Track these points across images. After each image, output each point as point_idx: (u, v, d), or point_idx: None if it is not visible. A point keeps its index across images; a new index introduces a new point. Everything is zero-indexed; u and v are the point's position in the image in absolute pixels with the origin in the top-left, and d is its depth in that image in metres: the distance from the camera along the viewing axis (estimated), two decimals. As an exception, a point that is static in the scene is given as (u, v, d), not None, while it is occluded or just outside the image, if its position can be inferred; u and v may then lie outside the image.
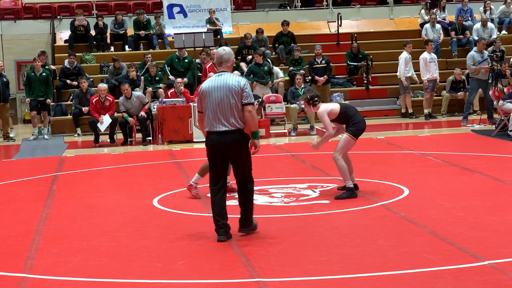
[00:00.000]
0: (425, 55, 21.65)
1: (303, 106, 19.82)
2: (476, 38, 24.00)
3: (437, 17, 25.49)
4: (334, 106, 11.02)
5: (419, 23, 26.18)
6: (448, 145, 16.60)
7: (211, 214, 8.45)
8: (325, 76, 22.12)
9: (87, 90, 20.32)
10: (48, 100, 20.75)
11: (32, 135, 20.59)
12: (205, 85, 8.65)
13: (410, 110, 21.89)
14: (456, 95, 22.33)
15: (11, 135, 20.95)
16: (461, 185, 11.62)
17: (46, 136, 20.59)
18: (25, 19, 26.27)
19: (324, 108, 10.89)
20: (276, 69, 22.49)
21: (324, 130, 11.04)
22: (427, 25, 24.96)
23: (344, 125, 11.05)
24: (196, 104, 8.85)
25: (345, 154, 10.96)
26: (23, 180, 13.85)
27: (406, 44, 21.91)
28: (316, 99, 10.92)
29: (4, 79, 20.70)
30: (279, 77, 22.39)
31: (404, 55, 21.68)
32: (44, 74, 20.70)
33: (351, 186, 10.86)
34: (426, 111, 21.69)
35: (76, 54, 23.53)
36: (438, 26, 25.02)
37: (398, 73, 21.80)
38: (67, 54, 23.19)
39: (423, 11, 26.12)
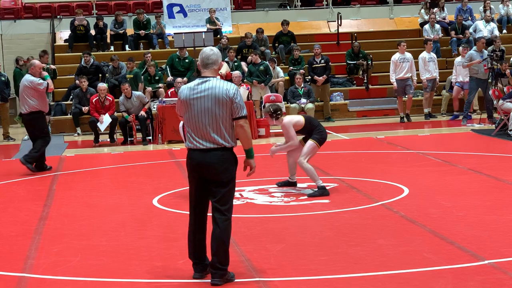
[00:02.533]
0: (424, 54, 21.63)
1: (303, 105, 19.98)
2: (476, 36, 24.01)
3: (437, 17, 25.50)
4: (299, 118, 11.46)
5: (419, 22, 26.19)
6: (448, 145, 16.60)
7: (210, 214, 7.94)
8: (324, 75, 22.09)
9: (87, 89, 20.32)
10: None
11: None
12: (184, 92, 7.11)
13: (407, 112, 21.53)
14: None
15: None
16: (461, 185, 11.62)
17: None
18: (25, 18, 26.27)
19: (289, 119, 11.36)
20: (277, 68, 22.50)
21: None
22: (427, 26, 24.93)
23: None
24: (177, 108, 7.29)
25: (310, 159, 11.35)
26: (23, 179, 13.84)
27: (399, 43, 21.54)
28: (279, 112, 11.37)
29: (3, 78, 20.69)
30: (279, 76, 22.40)
31: (395, 57, 21.28)
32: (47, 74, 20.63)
33: (322, 185, 11.13)
34: (425, 110, 21.68)
35: (76, 53, 23.52)
36: (437, 26, 25.02)
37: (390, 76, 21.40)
38: (67, 54, 23.16)
39: (423, 10, 26.12)
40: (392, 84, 21.27)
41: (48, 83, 14.40)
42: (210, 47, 7.29)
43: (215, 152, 6.98)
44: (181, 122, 10.50)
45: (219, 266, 6.99)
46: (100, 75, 22.10)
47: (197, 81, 7.12)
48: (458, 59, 21.50)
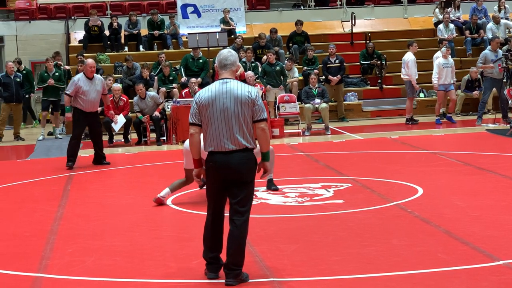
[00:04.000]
0: (438, 54, 21.51)
1: (317, 106, 19.95)
2: (490, 36, 23.91)
3: (451, 16, 25.42)
4: None
5: (433, 22, 26.11)
6: (462, 145, 16.55)
7: (225, 214, 7.99)
8: (339, 75, 22.06)
9: (110, 88, 20.34)
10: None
11: (41, 134, 20.69)
12: (205, 94, 7.06)
13: (407, 115, 21.20)
14: (472, 94, 22.25)
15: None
16: (476, 185, 11.58)
17: (59, 136, 20.66)
18: (40, 19, 26.37)
19: None
20: (294, 68, 22.50)
21: None
22: (441, 25, 24.85)
23: None
24: (192, 116, 7.17)
25: None
26: (38, 180, 13.89)
27: (411, 44, 21.32)
28: None
29: (18, 79, 20.79)
30: (293, 77, 22.39)
31: (440, 62, 20.98)
32: (57, 74, 20.77)
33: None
34: (440, 110, 21.58)
35: (90, 54, 23.59)
36: (452, 25, 24.94)
37: (404, 76, 21.10)
38: (80, 56, 23.21)
39: (437, 10, 26.04)
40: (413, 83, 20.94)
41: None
42: (227, 49, 7.30)
43: (238, 154, 6.99)
44: (186, 142, 10.18)
45: (234, 267, 6.99)
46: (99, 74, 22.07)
47: (217, 83, 7.09)
48: (441, 60, 20.62)
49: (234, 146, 6.98)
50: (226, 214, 7.20)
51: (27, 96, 22.56)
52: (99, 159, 15.41)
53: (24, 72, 21.85)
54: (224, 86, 7.02)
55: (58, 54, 22.27)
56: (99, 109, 19.79)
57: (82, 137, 20.40)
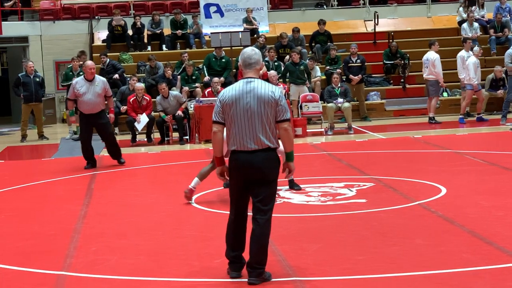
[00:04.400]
0: (462, 53, 21.42)
1: (339, 105, 19.91)
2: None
3: (476, 15, 25.28)
4: None
5: (457, 21, 25.98)
6: (486, 144, 16.46)
7: (248, 213, 7.96)
8: (360, 75, 22.00)
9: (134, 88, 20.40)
10: None
11: (69, 133, 20.81)
12: (228, 93, 7.04)
13: (430, 114, 21.17)
14: (496, 94, 22.12)
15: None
16: (500, 184, 11.52)
17: None
18: (64, 19, 26.50)
19: None
20: (316, 67, 22.48)
21: None
22: (465, 24, 24.72)
23: None
24: (216, 114, 7.16)
25: None
26: (62, 179, 13.96)
27: (433, 43, 21.24)
28: None
29: (37, 79, 20.91)
30: (316, 76, 22.37)
31: (435, 56, 21.02)
32: (81, 73, 20.85)
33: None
34: (465, 109, 21.50)
35: (114, 53, 23.70)
36: (476, 24, 24.80)
37: (429, 75, 21.08)
38: (103, 56, 23.33)
39: (461, 8, 25.91)
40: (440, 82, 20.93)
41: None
42: (251, 47, 7.24)
43: (260, 153, 6.97)
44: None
45: (257, 266, 6.99)
46: (118, 73, 22.14)
47: (241, 82, 7.08)
48: (473, 59, 20.59)
49: (257, 146, 6.96)
50: (250, 214, 7.20)
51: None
52: (116, 155, 15.42)
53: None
54: (248, 85, 7.00)
55: (83, 53, 22.38)
56: (124, 108, 19.99)
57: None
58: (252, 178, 7.03)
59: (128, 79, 21.32)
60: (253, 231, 7.04)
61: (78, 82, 14.85)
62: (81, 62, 21.90)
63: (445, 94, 22.93)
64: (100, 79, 14.97)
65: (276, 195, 7.43)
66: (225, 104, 7.04)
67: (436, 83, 20.56)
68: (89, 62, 15.17)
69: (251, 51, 7.11)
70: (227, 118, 7.06)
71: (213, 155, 10.88)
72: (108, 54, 23.04)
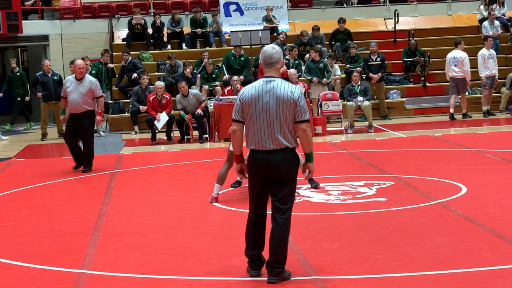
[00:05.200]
0: (483, 51, 21.36)
1: (359, 103, 19.87)
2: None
3: (496, 13, 25.15)
4: None
5: (478, 19, 25.86)
6: (507, 143, 16.36)
7: (267, 212, 7.95)
8: (379, 73, 21.95)
9: (146, 87, 20.49)
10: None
11: None
12: (248, 92, 7.02)
13: (464, 110, 21.32)
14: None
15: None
16: (521, 183, 11.46)
17: (102, 133, 20.83)
18: (84, 18, 26.58)
19: None
20: (334, 66, 22.45)
21: None
22: (486, 22, 24.59)
23: None
24: (235, 113, 7.14)
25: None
26: (82, 177, 14.01)
27: (459, 42, 21.33)
28: None
29: (56, 77, 21.02)
30: (336, 74, 22.33)
31: (463, 54, 21.10)
32: (93, 72, 20.96)
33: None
34: (484, 108, 21.44)
35: (133, 52, 23.76)
36: (496, 22, 24.67)
37: (450, 73, 21.13)
38: (125, 53, 23.45)
39: (482, 7, 25.78)
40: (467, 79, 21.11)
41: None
42: (271, 45, 7.16)
43: (278, 153, 6.96)
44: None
45: (276, 265, 6.97)
46: (136, 73, 22.18)
47: (261, 81, 7.05)
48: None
49: (275, 146, 6.95)
50: (269, 212, 7.20)
51: (19, 99, 22.99)
52: (85, 160, 14.66)
53: (18, 74, 22.61)
54: (267, 84, 6.97)
55: (106, 52, 22.49)
56: (143, 108, 20.04)
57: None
58: (270, 178, 7.02)
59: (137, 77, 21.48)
60: (273, 230, 7.04)
61: (69, 80, 14.55)
62: (107, 58, 22.11)
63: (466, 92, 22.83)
64: (88, 80, 14.46)
65: (296, 194, 7.42)
66: (244, 103, 7.03)
67: (464, 81, 20.62)
68: (79, 61, 14.69)
69: (271, 50, 7.05)
70: (246, 117, 7.05)
71: (227, 153, 10.99)
72: (123, 52, 23.08)
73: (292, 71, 17.31)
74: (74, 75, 14.62)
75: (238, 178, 11.56)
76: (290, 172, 7.02)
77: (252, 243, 7.19)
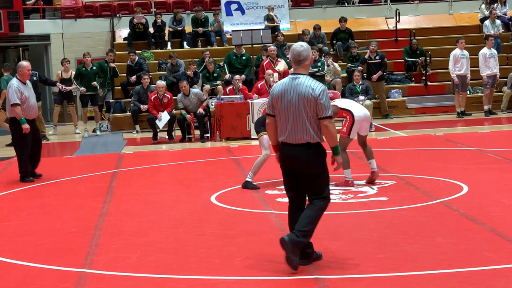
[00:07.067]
0: (484, 50, 21.37)
1: (361, 102, 19.83)
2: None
3: (498, 12, 25.14)
4: None
5: (479, 18, 25.84)
6: (508, 142, 16.35)
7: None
8: (380, 71, 21.91)
9: (148, 87, 20.49)
10: (100, 90, 20.96)
11: (85, 131, 20.93)
12: (277, 88, 7.40)
13: (462, 109, 21.38)
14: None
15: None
16: (522, 182, 11.46)
17: (98, 133, 20.81)
18: (85, 17, 26.60)
19: None
20: (335, 64, 22.44)
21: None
22: (487, 21, 24.58)
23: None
24: (268, 107, 7.51)
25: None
26: (84, 176, 14.02)
27: (458, 40, 21.40)
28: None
29: (34, 78, 20.69)
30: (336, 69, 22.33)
31: (454, 52, 21.24)
32: (94, 68, 20.95)
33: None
34: (486, 107, 21.43)
35: (135, 51, 23.77)
36: (498, 21, 24.66)
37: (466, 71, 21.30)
38: (126, 52, 23.46)
39: (483, 6, 25.77)
40: (453, 79, 21.18)
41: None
42: (300, 43, 7.42)
43: (301, 147, 7.27)
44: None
45: (304, 250, 7.28)
46: (136, 75, 22.19)
47: (289, 77, 7.36)
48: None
49: (299, 140, 7.26)
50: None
51: None
52: (36, 164, 13.76)
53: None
54: (293, 81, 7.28)
55: (112, 51, 22.49)
56: (145, 107, 20.05)
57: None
58: (295, 170, 7.35)
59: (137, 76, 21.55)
60: (306, 209, 7.37)
61: (19, 86, 13.27)
62: (112, 58, 22.08)
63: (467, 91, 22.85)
64: (28, 81, 13.57)
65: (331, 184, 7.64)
66: (273, 98, 7.40)
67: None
68: (26, 63, 13.61)
69: (300, 48, 7.31)
70: (275, 111, 7.40)
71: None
72: (129, 52, 23.10)
73: (292, 70, 17.33)
74: (15, 79, 13.43)
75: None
76: (314, 165, 7.31)
77: (290, 228, 7.46)
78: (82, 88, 20.69)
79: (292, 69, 7.57)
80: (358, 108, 11.88)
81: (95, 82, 20.89)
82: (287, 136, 7.29)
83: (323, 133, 7.29)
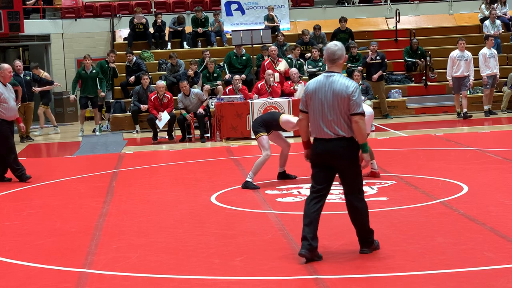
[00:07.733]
0: (484, 50, 21.36)
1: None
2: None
3: (498, 12, 25.14)
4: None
5: (479, 18, 25.84)
6: (508, 142, 16.35)
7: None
8: (380, 71, 21.90)
9: (147, 87, 20.49)
10: (102, 94, 20.93)
11: (80, 131, 20.93)
12: (311, 85, 7.71)
13: (464, 110, 21.35)
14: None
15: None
16: (522, 182, 11.46)
17: (97, 133, 20.80)
18: (86, 17, 26.61)
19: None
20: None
21: None
22: (487, 21, 24.57)
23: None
24: (301, 104, 7.80)
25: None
26: (84, 176, 14.02)
27: (458, 41, 21.40)
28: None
29: (28, 78, 20.68)
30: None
31: (451, 54, 21.22)
32: (94, 71, 20.93)
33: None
34: (486, 107, 21.42)
35: (135, 51, 23.77)
36: (498, 21, 24.66)
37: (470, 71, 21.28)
38: (126, 52, 23.45)
39: (483, 6, 25.77)
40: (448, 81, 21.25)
41: None
42: (334, 42, 7.72)
43: (336, 142, 7.56)
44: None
45: (365, 239, 7.78)
46: (135, 75, 22.19)
47: (323, 75, 7.67)
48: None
49: (332, 135, 7.54)
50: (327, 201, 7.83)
51: None
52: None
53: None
54: (328, 79, 7.58)
55: (112, 52, 22.49)
56: (145, 107, 20.05)
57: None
58: (328, 164, 7.64)
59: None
60: (351, 213, 7.79)
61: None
62: (113, 58, 22.08)
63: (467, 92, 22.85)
64: (8, 84, 13.54)
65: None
66: (307, 95, 7.70)
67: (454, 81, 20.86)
68: (7, 65, 13.54)
69: (334, 47, 7.63)
70: (309, 108, 7.69)
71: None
72: (127, 52, 23.09)
73: (294, 70, 17.41)
74: None
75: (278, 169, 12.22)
76: (346, 160, 7.60)
77: (305, 223, 7.65)
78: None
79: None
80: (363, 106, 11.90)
81: (102, 93, 20.84)
82: (321, 132, 7.57)
83: (353, 129, 7.52)
